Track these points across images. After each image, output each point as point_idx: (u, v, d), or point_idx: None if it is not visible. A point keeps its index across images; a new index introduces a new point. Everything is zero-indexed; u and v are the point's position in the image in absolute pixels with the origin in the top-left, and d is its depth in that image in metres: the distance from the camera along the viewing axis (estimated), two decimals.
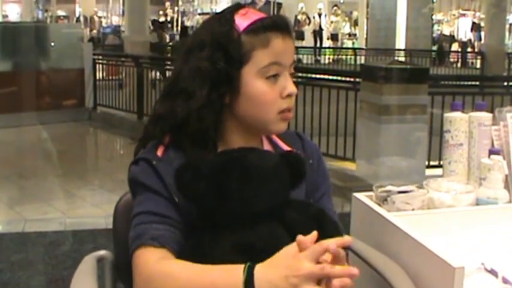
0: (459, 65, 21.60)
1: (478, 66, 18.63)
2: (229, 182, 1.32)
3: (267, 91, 1.44)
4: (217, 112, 1.44)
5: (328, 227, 1.38)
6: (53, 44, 10.48)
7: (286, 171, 1.38)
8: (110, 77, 11.45)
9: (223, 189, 1.31)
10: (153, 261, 1.32)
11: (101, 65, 11.37)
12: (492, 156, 1.96)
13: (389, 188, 1.88)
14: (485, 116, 2.05)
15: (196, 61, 1.44)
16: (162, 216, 1.38)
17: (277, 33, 1.45)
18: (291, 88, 1.46)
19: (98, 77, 11.05)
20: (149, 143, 1.50)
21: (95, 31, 22.50)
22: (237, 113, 1.46)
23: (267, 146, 1.56)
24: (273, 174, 1.36)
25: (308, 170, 1.48)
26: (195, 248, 1.34)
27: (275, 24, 1.45)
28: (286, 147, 1.56)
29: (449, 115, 2.07)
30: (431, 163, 6.48)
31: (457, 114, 2.06)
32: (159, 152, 1.45)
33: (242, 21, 1.45)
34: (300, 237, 1.22)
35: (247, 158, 1.36)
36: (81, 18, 25.50)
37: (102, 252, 1.67)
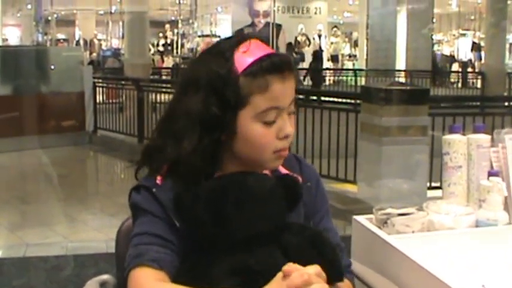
0: (460, 85, 21.65)
1: (479, 86, 18.67)
2: (227, 205, 1.34)
3: (263, 134, 1.41)
4: (210, 153, 1.42)
5: (325, 250, 1.39)
6: (53, 67, 10.52)
7: (282, 194, 1.39)
8: (110, 100, 11.48)
9: (222, 212, 1.34)
10: (151, 281, 1.34)
11: (101, 88, 11.40)
12: (491, 178, 1.96)
13: (389, 210, 1.89)
14: (483, 138, 2.06)
15: (190, 102, 1.41)
16: (163, 240, 1.40)
17: (277, 75, 1.40)
18: (288, 130, 1.43)
19: (98, 100, 11.08)
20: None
21: (94, 54, 22.58)
22: (233, 150, 1.45)
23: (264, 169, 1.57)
24: (270, 197, 1.38)
25: (306, 193, 1.50)
26: (192, 270, 1.36)
27: (274, 66, 1.40)
28: (283, 170, 1.56)
29: (448, 137, 2.07)
30: (433, 184, 6.46)
31: (455, 137, 2.07)
32: (158, 179, 1.46)
33: (242, 60, 1.40)
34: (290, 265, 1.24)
35: (245, 181, 1.38)
36: (81, 41, 25.62)
37: (105, 277, 1.68)
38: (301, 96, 8.02)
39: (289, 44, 19.43)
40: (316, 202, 1.60)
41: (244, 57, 1.40)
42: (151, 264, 1.36)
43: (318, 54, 18.51)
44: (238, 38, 1.45)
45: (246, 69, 1.39)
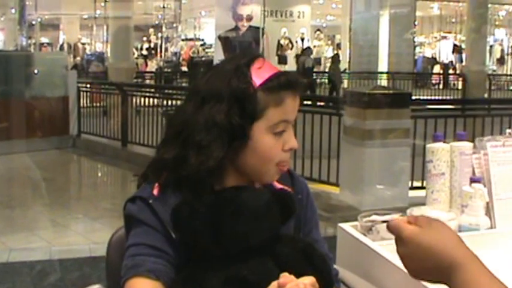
0: (441, 86, 21.81)
1: (460, 87, 18.81)
2: (223, 219, 1.37)
3: (273, 146, 1.48)
4: (224, 163, 1.47)
5: (316, 261, 1.44)
6: (36, 71, 10.48)
7: (276, 208, 1.43)
8: (94, 104, 11.47)
9: (217, 226, 1.37)
10: None
11: (85, 93, 11.38)
12: (473, 185, 1.99)
13: (373, 217, 1.90)
14: (466, 146, 2.09)
15: (213, 113, 1.45)
16: (160, 251, 1.42)
17: (290, 92, 1.49)
18: (293, 143, 1.51)
19: (82, 104, 11.06)
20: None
21: (78, 58, 22.48)
22: (237, 162, 1.49)
23: (258, 184, 1.59)
24: (265, 211, 1.41)
25: (297, 205, 1.53)
26: (188, 281, 1.38)
27: (289, 83, 1.49)
28: (276, 184, 1.60)
29: (431, 146, 2.10)
30: (415, 184, 6.51)
31: (438, 145, 2.10)
32: (155, 191, 1.48)
33: (258, 76, 1.48)
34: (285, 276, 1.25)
35: (240, 196, 1.41)
36: (65, 46, 25.50)
37: (96, 287, 1.69)
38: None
39: (308, 48, 19.24)
40: (306, 214, 1.65)
41: (260, 73, 1.49)
42: (148, 275, 1.38)
43: (337, 57, 18.26)
44: (250, 56, 1.53)
45: (263, 84, 1.47)
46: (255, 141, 1.47)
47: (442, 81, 22.44)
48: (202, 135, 1.44)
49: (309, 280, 1.25)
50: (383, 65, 18.31)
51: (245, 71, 1.48)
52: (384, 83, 17.31)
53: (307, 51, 19.15)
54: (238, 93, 1.45)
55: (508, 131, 2.25)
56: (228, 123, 1.44)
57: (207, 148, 1.44)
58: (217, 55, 19.03)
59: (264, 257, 1.39)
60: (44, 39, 26.28)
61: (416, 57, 22.71)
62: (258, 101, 1.45)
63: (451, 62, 24.80)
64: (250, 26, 19.38)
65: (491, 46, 24.11)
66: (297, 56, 19.41)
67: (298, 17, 21.83)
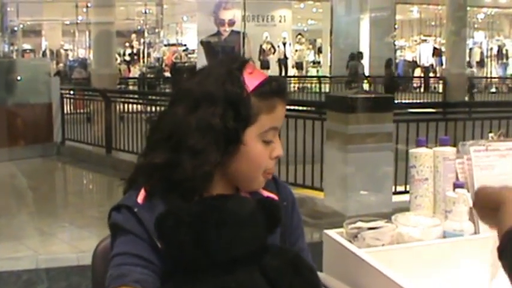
0: (422, 89, 21.91)
1: (441, 90, 18.90)
2: (207, 228, 1.35)
3: (262, 153, 1.50)
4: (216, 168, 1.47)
5: (304, 271, 1.44)
6: (19, 78, 10.44)
7: (262, 217, 1.42)
8: (78, 111, 11.43)
9: (202, 236, 1.35)
10: None
11: (68, 99, 11.35)
12: (457, 190, 1.99)
13: (359, 224, 1.91)
14: (449, 151, 2.09)
15: (207, 116, 1.44)
16: (145, 261, 1.40)
17: (281, 98, 1.51)
18: (280, 151, 1.53)
19: (65, 111, 11.01)
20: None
21: (61, 64, 22.36)
22: (228, 169, 1.49)
23: (244, 192, 1.59)
24: (250, 220, 1.40)
25: (283, 213, 1.52)
26: None
27: (280, 90, 1.51)
28: (263, 192, 1.60)
29: (414, 151, 2.11)
30: (399, 188, 6.54)
31: (422, 150, 2.10)
32: (140, 199, 1.46)
33: (250, 81, 1.48)
34: None
35: (225, 205, 1.40)
36: (47, 52, 25.33)
37: None
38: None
39: (359, 53, 18.86)
40: (292, 222, 1.65)
41: (252, 78, 1.49)
42: (135, 285, 1.35)
43: (390, 62, 18.04)
44: (240, 60, 1.53)
45: (255, 89, 1.48)
46: (247, 147, 1.46)
47: (423, 85, 22.54)
48: (196, 139, 1.42)
49: None
50: (364, 69, 18.36)
51: (238, 75, 1.47)
52: (366, 86, 17.40)
53: (358, 55, 18.83)
54: (233, 97, 1.44)
55: (490, 135, 2.27)
56: (223, 127, 1.43)
57: (202, 152, 1.42)
58: (200, 60, 19.03)
59: (252, 267, 1.38)
60: (26, 46, 26.04)
61: (397, 60, 22.81)
62: (251, 106, 1.45)
63: (432, 65, 24.89)
64: (232, 31, 19.47)
65: (470, 49, 24.25)
66: (347, 61, 18.84)
67: (280, 21, 21.91)
